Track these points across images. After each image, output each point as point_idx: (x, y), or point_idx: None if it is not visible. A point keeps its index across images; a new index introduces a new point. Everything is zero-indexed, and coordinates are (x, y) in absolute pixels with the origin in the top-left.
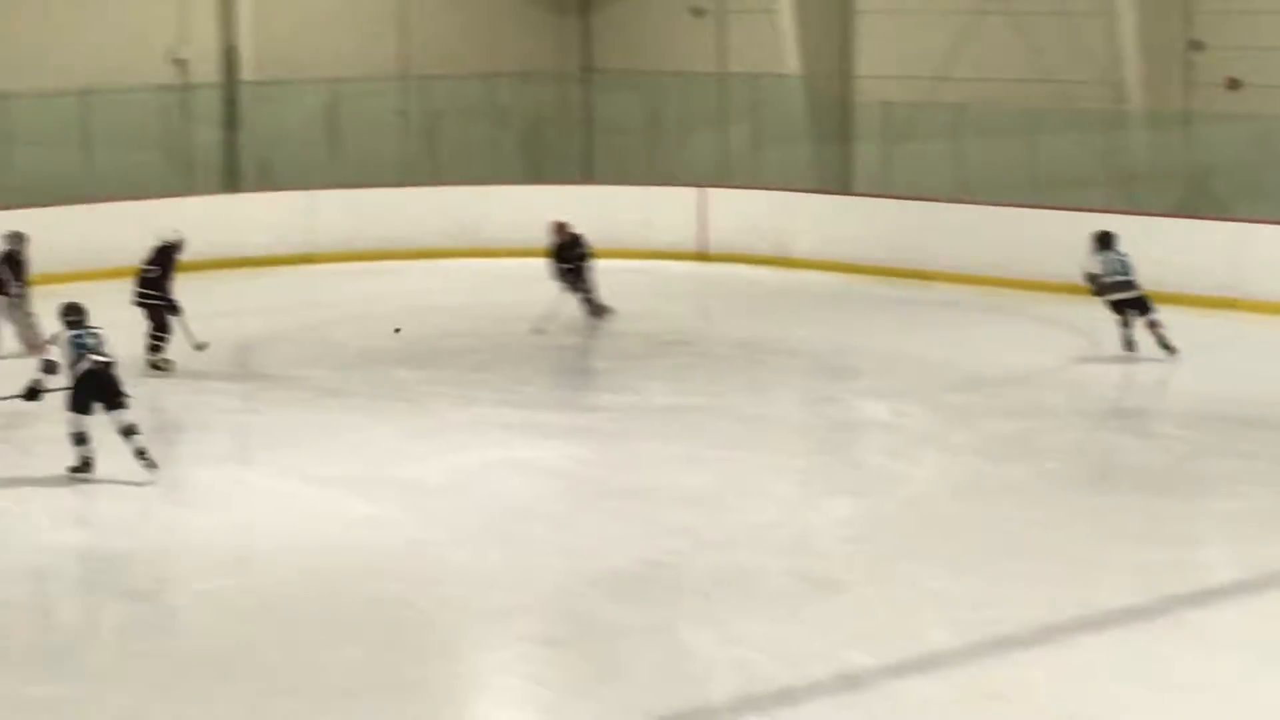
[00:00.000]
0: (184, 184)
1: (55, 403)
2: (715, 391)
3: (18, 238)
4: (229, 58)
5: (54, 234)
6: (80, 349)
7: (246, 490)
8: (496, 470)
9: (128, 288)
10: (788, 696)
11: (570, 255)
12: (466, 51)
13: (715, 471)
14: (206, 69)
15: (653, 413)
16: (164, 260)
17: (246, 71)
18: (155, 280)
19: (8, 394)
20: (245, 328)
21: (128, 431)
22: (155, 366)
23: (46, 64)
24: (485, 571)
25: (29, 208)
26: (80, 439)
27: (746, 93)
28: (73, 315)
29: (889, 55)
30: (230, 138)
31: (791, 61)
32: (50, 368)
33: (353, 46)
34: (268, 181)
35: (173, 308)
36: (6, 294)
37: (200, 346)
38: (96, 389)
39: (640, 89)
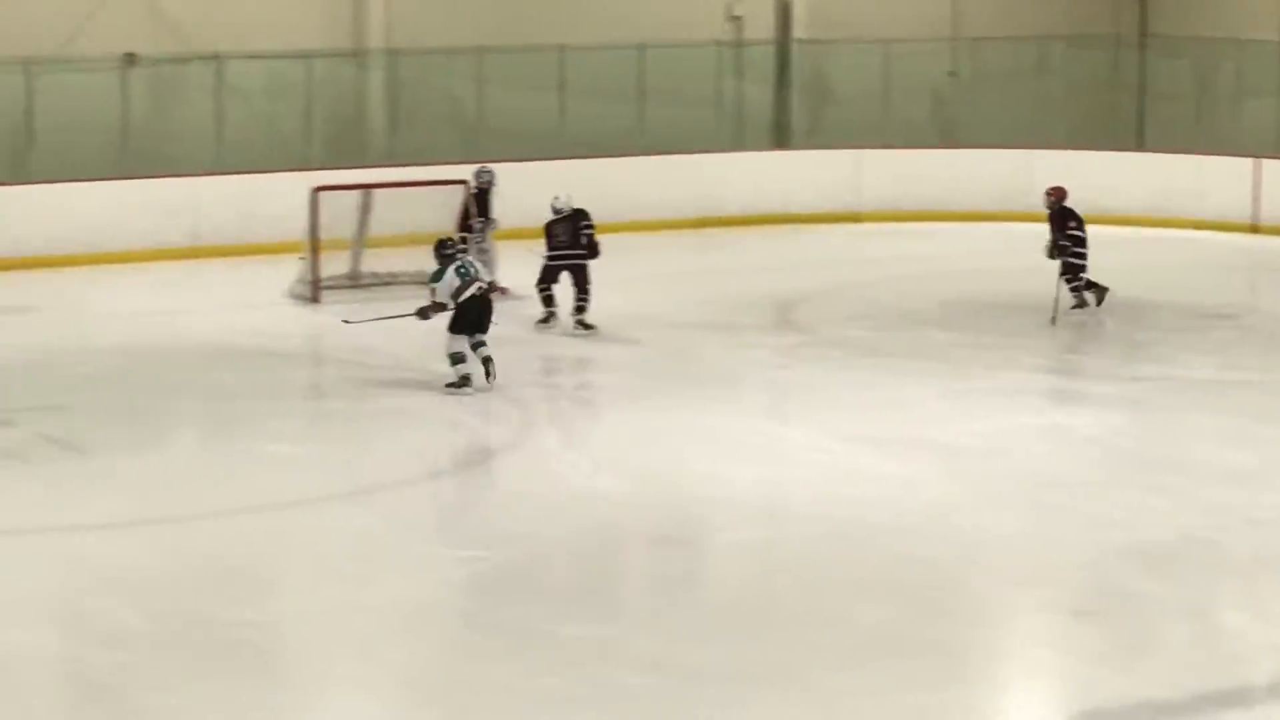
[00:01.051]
0: (734, 140)
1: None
2: (1263, 367)
3: (487, 174)
4: (783, 16)
5: (606, 186)
6: (464, 277)
7: (780, 445)
8: (1031, 436)
9: (672, 241)
10: None
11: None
12: (1020, 13)
13: (1260, 449)
14: (761, 26)
15: (1195, 386)
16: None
17: (799, 30)
18: (570, 243)
19: (402, 313)
20: (787, 284)
21: (478, 345)
22: (583, 326)
23: (606, 18)
24: (1015, 537)
25: (583, 159)
26: (459, 358)
27: None
28: (448, 249)
29: None
30: (782, 95)
31: None
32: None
33: (905, 7)
34: (816, 140)
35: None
36: (470, 230)
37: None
38: (476, 313)
39: (1195, 55)
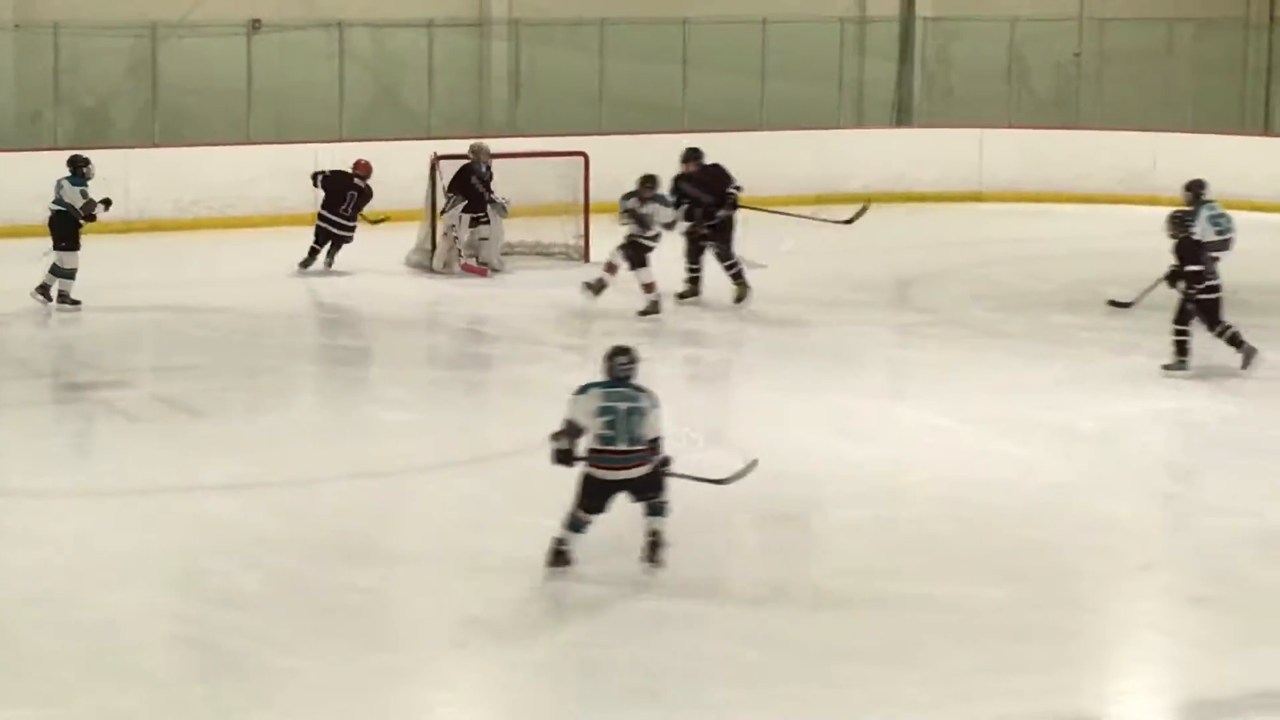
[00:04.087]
0: (856, 116)
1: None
2: None
3: (476, 151)
4: None
5: (726, 160)
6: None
7: (898, 424)
8: (1150, 421)
9: (803, 214)
10: None
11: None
12: None
13: None
14: (886, 3)
15: None
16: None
17: (924, 7)
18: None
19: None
20: (909, 262)
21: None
22: (683, 296)
23: None
24: (1132, 523)
25: (704, 132)
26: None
27: None
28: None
29: None
30: (904, 72)
31: None
32: None
33: None
34: (939, 118)
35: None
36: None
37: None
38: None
39: None
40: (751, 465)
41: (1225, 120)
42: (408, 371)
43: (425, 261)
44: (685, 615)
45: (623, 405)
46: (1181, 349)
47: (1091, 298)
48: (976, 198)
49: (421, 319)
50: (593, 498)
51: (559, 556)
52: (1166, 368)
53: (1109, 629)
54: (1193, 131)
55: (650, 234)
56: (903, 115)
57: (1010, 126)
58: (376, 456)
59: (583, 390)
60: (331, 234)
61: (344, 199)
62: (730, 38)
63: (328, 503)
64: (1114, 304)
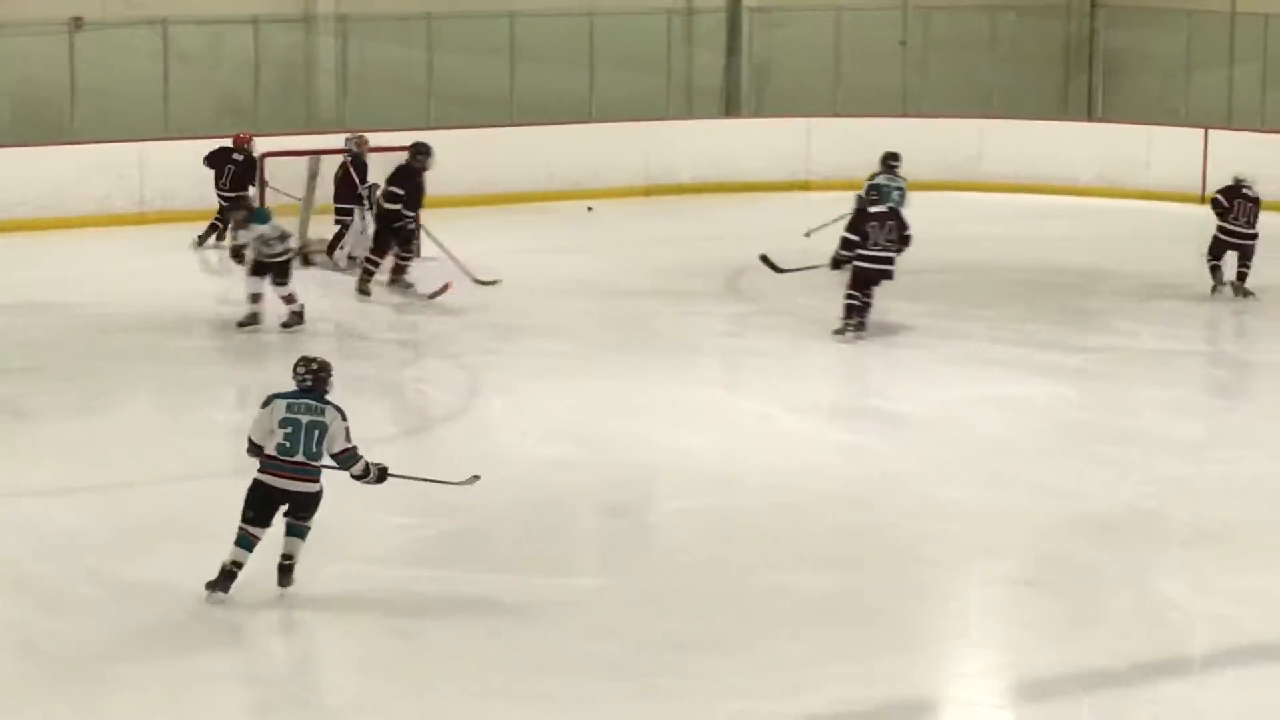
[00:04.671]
0: (684, 107)
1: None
2: (1210, 338)
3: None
4: None
5: (555, 153)
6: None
7: (730, 414)
8: (981, 407)
9: (622, 209)
10: (1267, 652)
11: None
12: None
13: (1205, 419)
14: None
15: (1143, 356)
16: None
17: None
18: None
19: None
20: (737, 252)
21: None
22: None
23: None
24: (962, 508)
25: (532, 125)
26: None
27: (1257, 33)
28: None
29: None
30: (732, 62)
31: None
32: None
33: None
34: (767, 108)
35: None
36: (359, 202)
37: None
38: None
39: (1148, 26)
40: (473, 480)
41: (1049, 107)
42: (237, 372)
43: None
44: (523, 607)
45: (305, 418)
46: (849, 312)
47: (920, 285)
48: (804, 187)
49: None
50: (257, 507)
51: (225, 575)
52: (836, 332)
53: (941, 613)
54: (1018, 118)
55: (273, 251)
56: (731, 106)
57: (837, 115)
58: (209, 457)
59: (267, 402)
60: (220, 209)
61: (222, 173)
62: (557, 30)
63: (159, 506)
64: (765, 261)
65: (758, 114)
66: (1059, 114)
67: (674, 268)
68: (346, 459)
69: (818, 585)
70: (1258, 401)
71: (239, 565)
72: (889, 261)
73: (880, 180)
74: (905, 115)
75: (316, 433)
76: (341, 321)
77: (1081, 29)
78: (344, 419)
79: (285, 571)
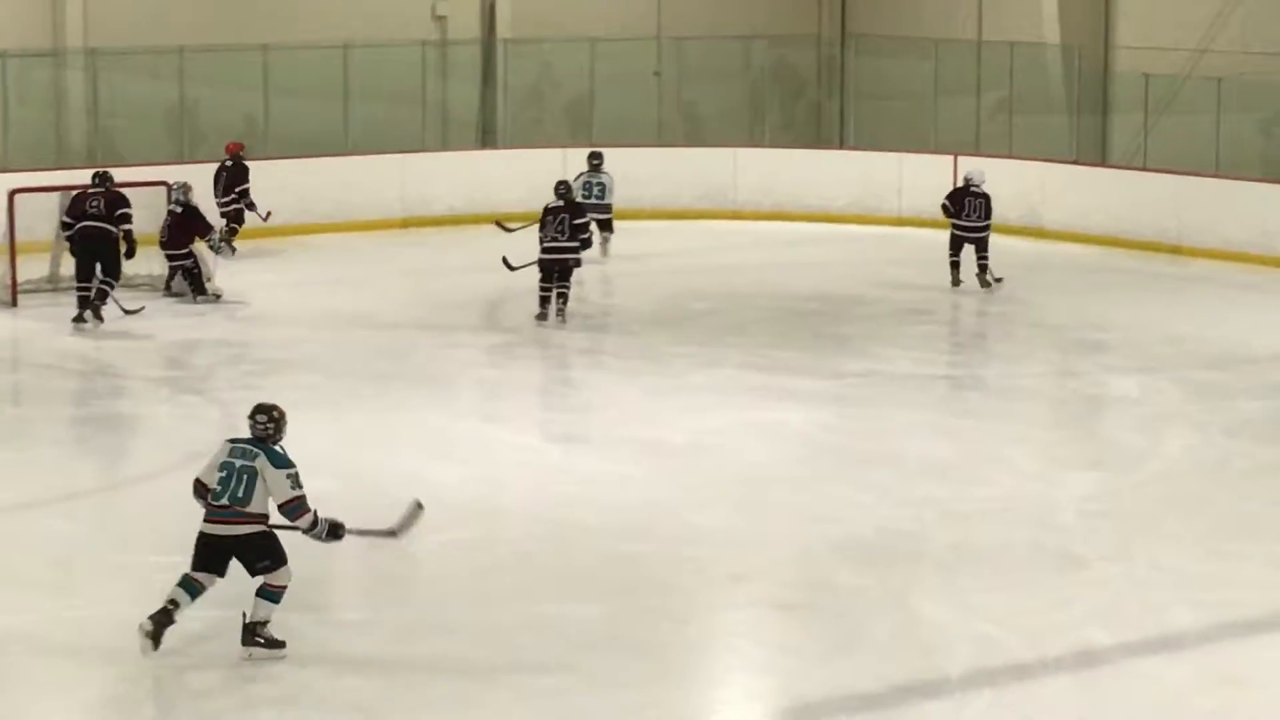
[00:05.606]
0: (440, 139)
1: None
2: (962, 362)
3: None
4: (488, 15)
5: (311, 186)
6: None
7: (491, 445)
8: (738, 433)
9: (379, 241)
10: (1024, 671)
11: None
12: (723, 13)
13: (960, 442)
14: (466, 25)
15: (898, 381)
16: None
17: (504, 29)
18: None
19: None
20: (495, 283)
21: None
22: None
23: (309, 17)
24: (722, 534)
25: (288, 158)
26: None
27: (1003, 61)
28: None
29: (1150, 26)
30: (487, 94)
31: (1051, 30)
32: None
33: (611, 6)
34: (523, 139)
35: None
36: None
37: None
38: None
39: (897, 55)
40: (416, 510)
41: (803, 135)
42: None
43: (5, 297)
44: (290, 640)
45: (239, 462)
46: (541, 303)
47: (679, 313)
48: None
49: (3, 357)
50: (199, 552)
51: (162, 613)
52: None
53: (702, 640)
54: (772, 146)
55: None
56: (487, 137)
57: (592, 145)
58: None
59: (223, 445)
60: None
61: (217, 182)
62: (312, 63)
63: None
64: (505, 262)
65: (514, 145)
66: (812, 142)
67: (433, 299)
68: (291, 509)
69: (581, 615)
70: (1008, 424)
71: (175, 605)
72: (559, 251)
73: (585, 177)
74: (660, 145)
75: (245, 477)
76: (97, 358)
77: (833, 58)
78: (285, 466)
79: (245, 631)
